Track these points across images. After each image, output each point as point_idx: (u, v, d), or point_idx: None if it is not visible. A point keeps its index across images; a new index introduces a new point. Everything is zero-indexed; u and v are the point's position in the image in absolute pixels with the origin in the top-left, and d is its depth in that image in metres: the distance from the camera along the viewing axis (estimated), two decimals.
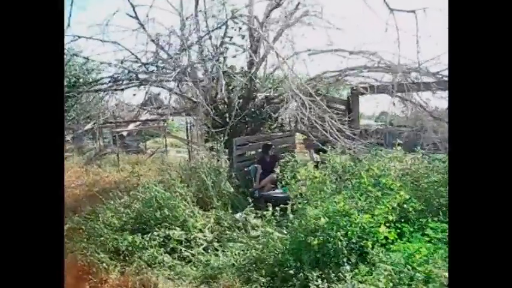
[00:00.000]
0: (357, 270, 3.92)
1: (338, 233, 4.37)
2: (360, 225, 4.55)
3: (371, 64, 8.71)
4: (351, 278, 3.79)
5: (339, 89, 14.79)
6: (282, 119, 11.44)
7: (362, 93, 7.97)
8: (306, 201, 5.04)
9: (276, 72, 10.60)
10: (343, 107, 10.65)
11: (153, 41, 8.75)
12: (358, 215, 4.59)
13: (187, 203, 6.51)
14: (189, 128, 12.15)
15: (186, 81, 8.20)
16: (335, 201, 4.76)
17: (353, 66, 8.94)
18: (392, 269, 3.64)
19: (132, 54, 8.58)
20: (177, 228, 5.83)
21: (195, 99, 10.27)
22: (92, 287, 4.42)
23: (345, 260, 4.25)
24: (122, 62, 8.36)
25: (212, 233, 6.10)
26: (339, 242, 4.34)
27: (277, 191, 8.44)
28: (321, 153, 6.58)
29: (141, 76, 8.46)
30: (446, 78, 7.42)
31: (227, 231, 6.19)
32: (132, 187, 7.75)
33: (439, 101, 8.56)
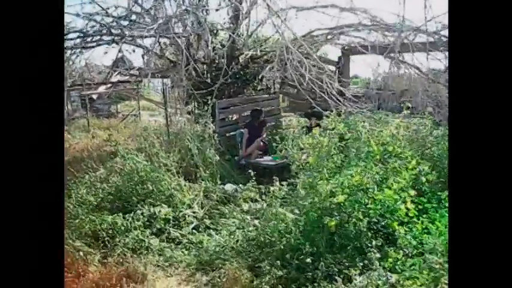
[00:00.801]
0: (390, 259, 3.30)
1: (359, 212, 3.75)
2: (381, 201, 3.94)
3: (365, 22, 8.02)
4: (383, 268, 3.17)
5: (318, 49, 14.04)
6: (268, 80, 10.68)
7: (360, 52, 7.30)
8: (314, 174, 4.35)
9: (259, 30, 9.79)
10: (332, 68, 9.96)
11: None
12: (379, 189, 3.98)
13: (172, 174, 5.78)
14: (165, 90, 11.27)
15: (166, 36, 7.28)
16: (350, 174, 4.12)
17: (345, 24, 8.24)
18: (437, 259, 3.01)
19: (103, 9, 7.58)
20: (162, 204, 5.10)
21: (172, 59, 9.40)
22: (69, 282, 3.63)
23: (368, 243, 3.64)
24: (91, 15, 7.33)
25: (202, 208, 5.42)
26: (360, 223, 3.72)
27: (266, 158, 7.82)
28: (324, 118, 5.88)
29: (113, 31, 7.47)
30: (445, 39, 6.87)
31: (218, 206, 5.54)
32: (108, 156, 6.92)
33: (433, 62, 8.06)
